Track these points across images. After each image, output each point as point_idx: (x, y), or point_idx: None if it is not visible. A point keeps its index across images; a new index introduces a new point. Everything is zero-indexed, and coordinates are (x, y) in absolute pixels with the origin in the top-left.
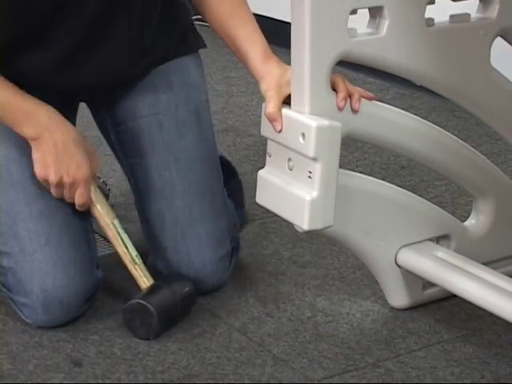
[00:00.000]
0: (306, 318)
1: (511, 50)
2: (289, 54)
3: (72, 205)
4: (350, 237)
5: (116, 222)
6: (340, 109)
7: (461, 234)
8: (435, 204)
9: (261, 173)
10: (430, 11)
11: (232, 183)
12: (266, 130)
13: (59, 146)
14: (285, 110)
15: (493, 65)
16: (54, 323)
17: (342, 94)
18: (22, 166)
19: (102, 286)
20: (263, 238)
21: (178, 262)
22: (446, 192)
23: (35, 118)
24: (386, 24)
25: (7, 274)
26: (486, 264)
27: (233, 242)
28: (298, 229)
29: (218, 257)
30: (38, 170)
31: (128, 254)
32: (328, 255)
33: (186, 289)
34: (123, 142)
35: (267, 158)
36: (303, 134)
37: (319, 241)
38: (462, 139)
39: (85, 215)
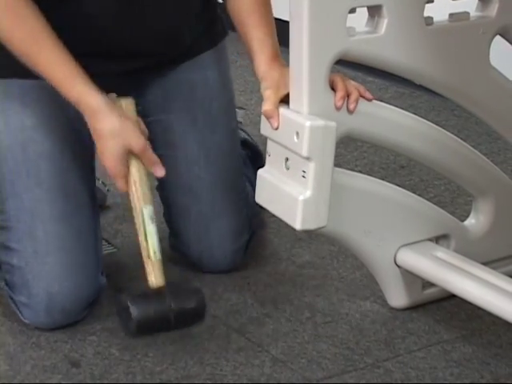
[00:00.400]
0: (304, 319)
1: (511, 48)
2: (287, 53)
3: (88, 205)
4: (348, 236)
5: (146, 209)
6: (337, 108)
7: (460, 234)
8: (435, 203)
9: (260, 172)
10: (429, 10)
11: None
12: (265, 128)
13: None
14: (282, 109)
15: (492, 63)
16: (53, 326)
17: (340, 93)
18: (51, 163)
19: (105, 293)
20: (261, 238)
21: (200, 253)
22: (445, 191)
23: (104, 116)
24: (384, 23)
25: (15, 272)
26: (485, 264)
27: (250, 232)
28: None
29: (237, 247)
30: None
31: (146, 247)
32: (327, 255)
33: (190, 306)
34: (152, 133)
35: (267, 157)
36: (297, 133)
37: (318, 241)
38: (461, 138)
39: (97, 218)
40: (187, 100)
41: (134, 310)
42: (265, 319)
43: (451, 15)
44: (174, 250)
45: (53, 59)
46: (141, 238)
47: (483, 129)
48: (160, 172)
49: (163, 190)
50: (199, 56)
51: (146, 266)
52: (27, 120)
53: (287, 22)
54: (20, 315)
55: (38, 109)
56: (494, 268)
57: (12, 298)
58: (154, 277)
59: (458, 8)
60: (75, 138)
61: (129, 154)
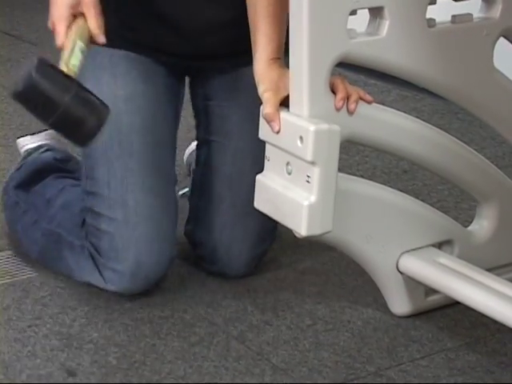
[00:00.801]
0: (305, 326)
1: None
2: (287, 56)
3: (172, 179)
4: (350, 242)
5: (80, 43)
6: (337, 109)
7: (464, 240)
8: (438, 209)
9: (259, 177)
10: (432, 11)
11: None
12: (264, 133)
13: None
14: (283, 113)
15: (496, 66)
16: (132, 292)
17: (340, 94)
18: (143, 137)
19: (97, 295)
20: None
21: (217, 242)
22: (449, 196)
23: None
24: (386, 25)
25: (103, 237)
26: (489, 270)
27: (271, 241)
28: (297, 234)
29: (255, 254)
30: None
31: (69, 58)
32: (328, 262)
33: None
34: (210, 117)
35: (266, 162)
36: (301, 138)
37: (319, 247)
38: (465, 142)
39: (176, 190)
40: (250, 95)
41: (34, 70)
42: (265, 327)
43: (454, 17)
44: (189, 237)
45: None
46: (65, 54)
47: (487, 132)
48: (101, 39)
49: (202, 174)
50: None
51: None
52: (119, 91)
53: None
54: (102, 279)
55: (129, 81)
56: (498, 274)
57: (96, 261)
58: (66, 66)
59: (461, 9)
60: (163, 114)
61: (77, 12)
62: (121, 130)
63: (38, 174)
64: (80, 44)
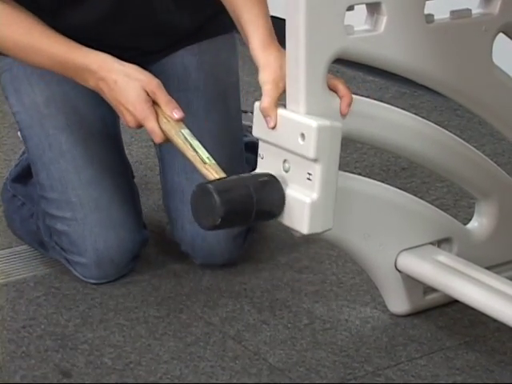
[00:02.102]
0: (303, 326)
1: None
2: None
3: (120, 168)
4: (348, 240)
5: (185, 130)
6: (343, 115)
7: (463, 238)
8: (437, 206)
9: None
10: (430, 7)
11: None
12: (258, 130)
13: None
14: (281, 111)
15: (495, 62)
16: (105, 279)
17: (346, 99)
18: (70, 135)
19: (92, 295)
20: (258, 243)
21: (194, 235)
22: (447, 194)
23: (87, 70)
24: (384, 20)
25: (61, 236)
26: (489, 268)
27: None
28: (295, 233)
29: (232, 235)
30: (124, 120)
31: (197, 155)
32: (326, 260)
33: (264, 178)
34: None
35: (259, 159)
36: (302, 135)
37: (317, 245)
38: (464, 139)
39: (131, 177)
40: (182, 82)
41: (218, 198)
42: (262, 326)
43: (452, 12)
44: (173, 237)
45: (51, 39)
46: (189, 153)
47: (487, 129)
48: (179, 113)
49: (163, 174)
50: (196, 44)
51: (203, 171)
52: (37, 98)
53: (283, 20)
54: (74, 271)
55: (44, 86)
56: (497, 272)
57: (66, 258)
58: (217, 174)
59: (460, 5)
60: (90, 108)
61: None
62: (48, 134)
63: None
64: (186, 131)
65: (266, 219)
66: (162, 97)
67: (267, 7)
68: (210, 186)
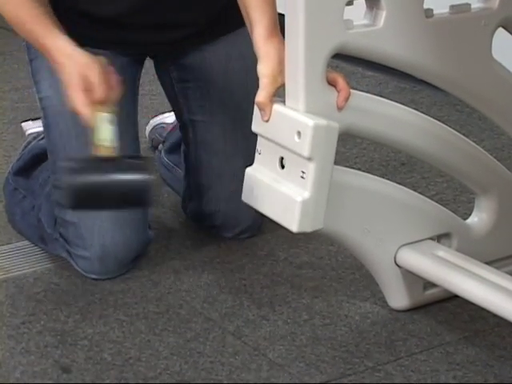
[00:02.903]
0: (302, 321)
1: None
2: None
3: None
4: (347, 236)
5: (103, 114)
6: (339, 108)
7: (462, 233)
8: (436, 201)
9: (249, 170)
10: (429, 1)
11: None
12: (257, 125)
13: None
14: (280, 107)
15: (494, 56)
16: (106, 275)
17: (344, 93)
18: (78, 141)
19: (92, 291)
20: (258, 238)
21: (226, 210)
22: (447, 189)
23: (49, 52)
24: (383, 15)
25: (68, 227)
26: (488, 263)
27: None
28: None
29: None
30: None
31: (98, 137)
32: (325, 255)
33: (133, 162)
34: (189, 98)
35: (256, 155)
36: (299, 133)
37: (316, 241)
38: (464, 134)
39: None
40: (224, 71)
41: (68, 178)
42: (261, 322)
43: (452, 7)
44: (195, 213)
45: (33, 18)
46: (94, 135)
47: (486, 124)
48: (99, 94)
49: (194, 150)
50: (234, 32)
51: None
52: None
53: (283, 15)
54: (75, 265)
55: None
56: (497, 267)
57: (68, 251)
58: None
59: None
60: (119, 105)
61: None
62: (77, 123)
63: (36, 158)
64: (103, 115)
65: (128, 206)
66: (95, 80)
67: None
68: (67, 163)
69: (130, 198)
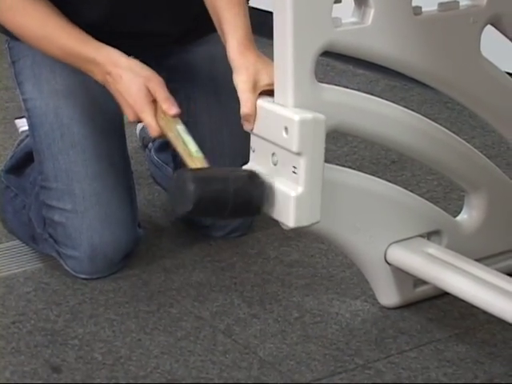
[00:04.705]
0: (293, 319)
1: (502, 38)
2: (271, 45)
3: (123, 164)
4: (337, 234)
5: (179, 126)
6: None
7: (452, 230)
8: (427, 199)
9: (244, 168)
10: None
11: None
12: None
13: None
14: (267, 104)
15: (483, 54)
16: (96, 275)
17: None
18: (84, 127)
19: (82, 290)
20: (249, 237)
21: None
22: (438, 187)
23: (95, 63)
24: (371, 13)
25: (57, 227)
26: (478, 260)
27: None
28: (284, 226)
29: None
30: (127, 115)
31: (187, 149)
32: (316, 254)
33: (244, 173)
34: (176, 99)
35: (251, 153)
36: (286, 128)
37: (307, 239)
38: (454, 132)
39: (130, 177)
40: (209, 70)
41: (193, 185)
42: (252, 320)
43: (440, 4)
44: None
45: (64, 31)
46: (180, 147)
47: (477, 122)
48: (175, 110)
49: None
50: (215, 33)
51: (191, 164)
52: (58, 86)
53: (271, 13)
54: (65, 266)
55: (67, 75)
56: (487, 264)
57: (58, 251)
58: (202, 166)
59: None
60: (105, 103)
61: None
62: (62, 124)
63: (27, 157)
64: (180, 127)
65: (243, 215)
66: (161, 94)
67: (247, 9)
68: (187, 173)
69: (249, 208)
